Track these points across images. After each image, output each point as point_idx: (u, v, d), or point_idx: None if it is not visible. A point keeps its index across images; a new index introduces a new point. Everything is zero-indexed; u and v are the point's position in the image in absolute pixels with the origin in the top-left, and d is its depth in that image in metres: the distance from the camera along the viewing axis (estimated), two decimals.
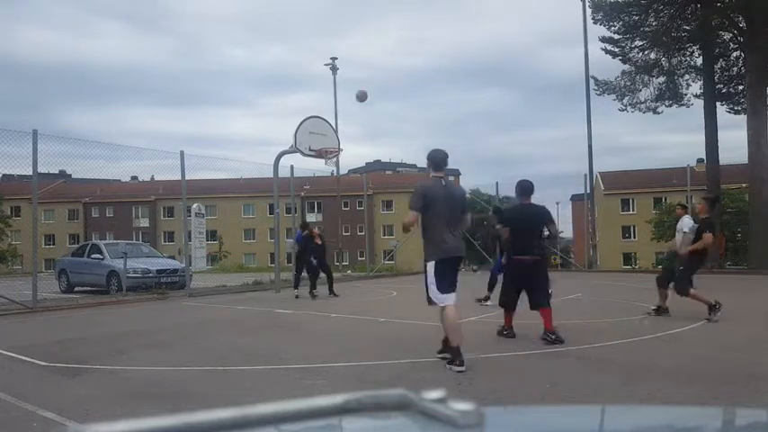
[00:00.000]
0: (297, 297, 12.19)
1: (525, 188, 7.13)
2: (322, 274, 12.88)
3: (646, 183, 45.79)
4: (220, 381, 5.40)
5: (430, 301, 5.58)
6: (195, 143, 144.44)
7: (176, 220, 44.51)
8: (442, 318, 5.54)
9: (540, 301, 6.72)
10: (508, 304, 7.02)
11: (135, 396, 4.89)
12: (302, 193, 49.32)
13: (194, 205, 15.90)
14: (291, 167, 17.30)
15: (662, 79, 23.91)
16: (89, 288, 15.81)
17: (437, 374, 5.41)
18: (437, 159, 5.69)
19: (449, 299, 5.45)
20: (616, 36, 23.33)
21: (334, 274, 13.10)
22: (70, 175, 47.17)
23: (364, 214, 29.69)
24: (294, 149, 15.05)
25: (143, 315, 10.65)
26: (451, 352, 5.46)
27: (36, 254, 11.85)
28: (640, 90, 24.00)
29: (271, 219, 17.92)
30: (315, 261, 12.61)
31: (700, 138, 22.02)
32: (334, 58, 23.54)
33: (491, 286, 10.17)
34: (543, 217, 7.06)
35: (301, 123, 15.19)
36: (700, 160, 30.65)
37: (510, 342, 6.76)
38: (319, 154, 15.38)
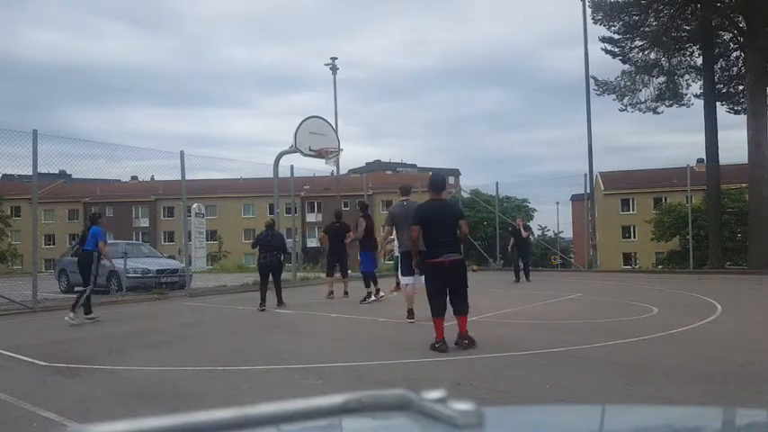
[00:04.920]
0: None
1: (439, 183, 6.78)
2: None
3: (646, 183, 45.78)
4: (220, 381, 5.40)
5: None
6: (195, 143, 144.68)
7: (176, 220, 44.51)
8: None
9: (461, 309, 6.44)
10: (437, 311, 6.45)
11: (135, 396, 4.89)
12: (302, 193, 49.38)
13: (194, 205, 15.88)
14: (291, 167, 17.29)
15: (662, 79, 23.87)
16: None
17: (437, 374, 5.42)
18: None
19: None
20: (616, 36, 23.30)
21: (336, 275, 13.07)
22: (70, 175, 47.07)
23: None
24: (294, 149, 15.05)
25: (143, 315, 10.65)
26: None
27: (36, 254, 11.85)
28: (640, 90, 23.96)
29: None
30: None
31: (700, 138, 22.01)
32: (334, 58, 23.51)
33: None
34: (457, 214, 6.66)
35: (301, 123, 15.19)
36: (700, 160, 30.63)
37: (509, 342, 6.76)
38: (319, 154, 15.39)
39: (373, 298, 11.27)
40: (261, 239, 11.35)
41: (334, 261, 12.77)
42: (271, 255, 11.23)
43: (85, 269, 9.65)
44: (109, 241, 21.80)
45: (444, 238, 6.39)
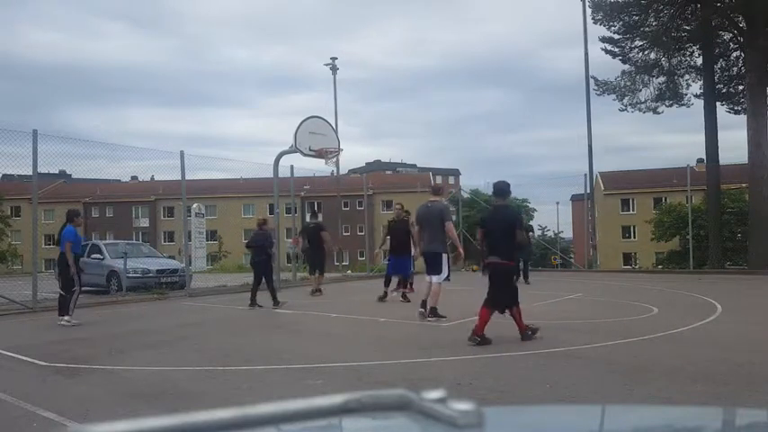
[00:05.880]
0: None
1: (498, 189, 7.35)
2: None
3: (646, 183, 45.76)
4: (220, 381, 5.40)
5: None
6: (195, 143, 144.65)
7: (176, 220, 44.48)
8: None
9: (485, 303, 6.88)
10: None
11: (135, 396, 4.89)
12: (302, 193, 49.30)
13: (194, 205, 15.88)
14: (291, 167, 17.27)
15: (662, 79, 23.87)
16: (89, 288, 15.77)
17: (437, 374, 5.42)
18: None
19: None
20: (616, 36, 23.30)
21: (334, 274, 13.12)
22: (70, 175, 47.06)
23: (364, 214, 29.71)
24: (294, 149, 15.04)
25: (143, 315, 10.64)
26: None
27: (36, 254, 11.83)
28: (640, 90, 23.95)
29: (271, 219, 17.88)
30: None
31: (700, 138, 22.02)
32: (334, 58, 23.53)
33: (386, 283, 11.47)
34: (511, 220, 7.17)
35: (301, 123, 15.17)
36: (700, 160, 30.62)
37: (509, 342, 6.76)
38: (319, 154, 15.37)
39: (399, 293, 11.29)
40: (251, 240, 11.57)
41: (313, 260, 13.26)
42: (258, 255, 11.33)
43: (62, 271, 9.31)
44: (109, 241, 21.92)
45: (495, 242, 7.03)
